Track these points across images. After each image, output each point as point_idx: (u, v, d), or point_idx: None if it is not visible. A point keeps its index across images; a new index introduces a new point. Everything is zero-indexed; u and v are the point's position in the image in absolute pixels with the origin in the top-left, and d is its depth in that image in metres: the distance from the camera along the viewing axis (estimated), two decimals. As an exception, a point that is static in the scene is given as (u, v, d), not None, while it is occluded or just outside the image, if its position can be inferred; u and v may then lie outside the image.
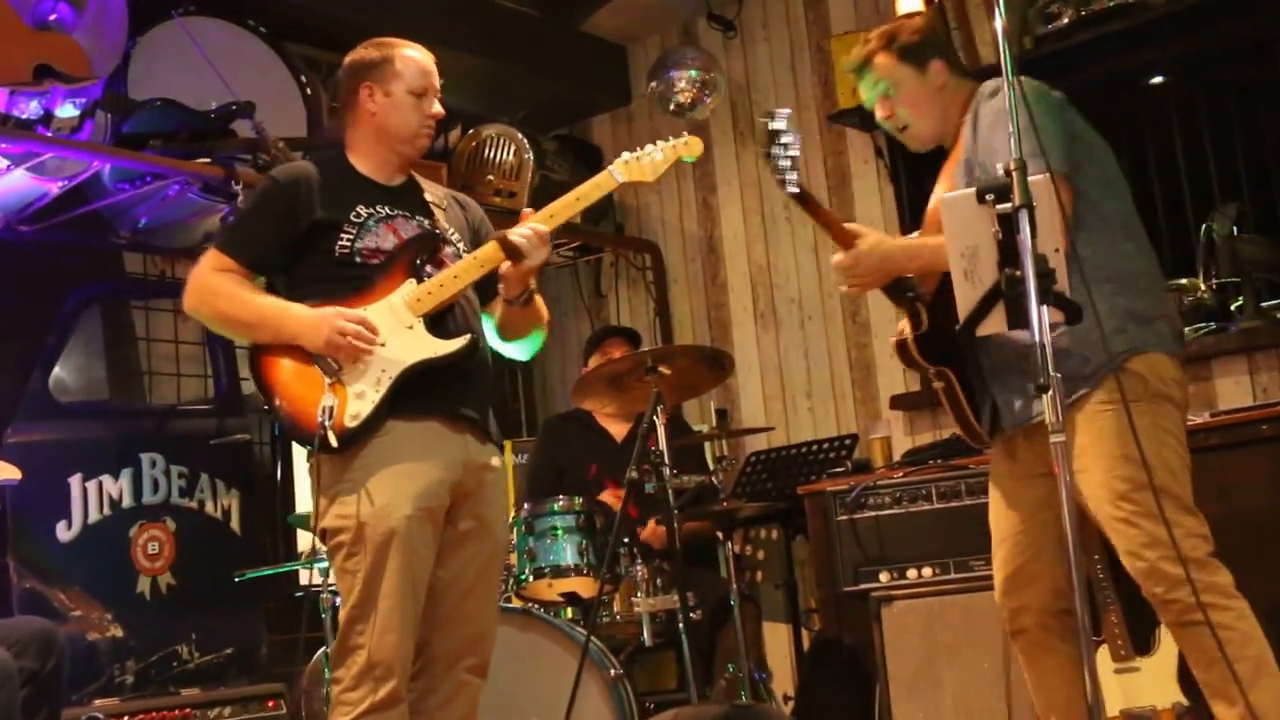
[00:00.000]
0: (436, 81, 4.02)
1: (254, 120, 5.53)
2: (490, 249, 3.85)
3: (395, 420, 3.73)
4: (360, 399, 3.70)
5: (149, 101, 5.46)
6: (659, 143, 3.99)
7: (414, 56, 4.00)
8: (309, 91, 6.12)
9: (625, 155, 3.97)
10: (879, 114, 3.95)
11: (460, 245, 3.99)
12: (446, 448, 3.79)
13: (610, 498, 5.70)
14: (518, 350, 4.14)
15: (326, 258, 3.82)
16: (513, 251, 3.81)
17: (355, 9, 6.36)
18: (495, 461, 3.95)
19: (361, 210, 3.86)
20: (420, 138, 3.99)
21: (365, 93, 3.95)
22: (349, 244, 3.82)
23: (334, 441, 3.66)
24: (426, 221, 3.96)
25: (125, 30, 5.42)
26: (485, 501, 3.89)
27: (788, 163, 3.61)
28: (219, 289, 3.80)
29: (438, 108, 4.01)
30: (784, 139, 3.63)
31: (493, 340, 4.09)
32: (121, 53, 5.45)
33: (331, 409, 3.67)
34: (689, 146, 4.00)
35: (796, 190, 3.64)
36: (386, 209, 3.90)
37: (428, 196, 4.05)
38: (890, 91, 3.88)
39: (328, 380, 3.72)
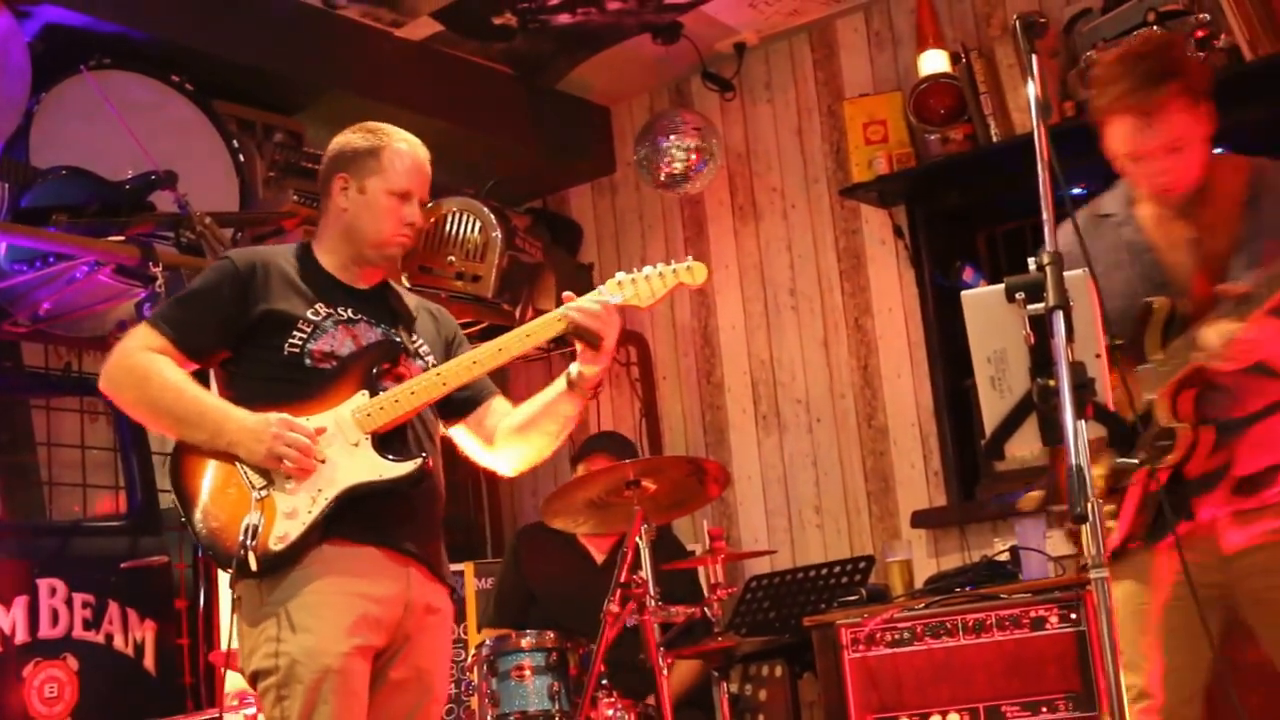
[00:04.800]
0: (425, 183, 4.04)
1: (176, 192, 5.48)
2: (545, 323, 3.86)
3: (329, 545, 3.70)
4: (290, 519, 3.68)
5: (53, 170, 5.42)
6: (659, 265, 3.97)
7: (403, 151, 4.00)
8: (241, 158, 6.09)
9: (620, 275, 3.95)
10: (1151, 167, 3.68)
11: (429, 360, 4.01)
12: (388, 580, 3.77)
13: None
14: (519, 454, 4.11)
15: (273, 355, 3.82)
16: (589, 336, 3.82)
17: (297, 63, 6.37)
18: (441, 604, 3.93)
19: (320, 309, 3.88)
20: (390, 246, 3.99)
21: (339, 184, 3.98)
22: (300, 344, 3.82)
23: (253, 565, 3.63)
24: (392, 330, 3.97)
25: (27, 86, 5.41)
26: (425, 650, 3.86)
27: None
28: (153, 373, 3.78)
29: (418, 215, 4.01)
30: None
31: (474, 449, 4.12)
32: (22, 112, 5.44)
33: (255, 528, 3.66)
34: (693, 273, 3.96)
35: None
36: (349, 312, 3.92)
37: (396, 305, 4.07)
38: (1178, 146, 3.64)
39: (255, 495, 3.70)
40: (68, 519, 6.25)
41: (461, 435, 4.15)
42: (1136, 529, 3.66)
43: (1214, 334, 3.43)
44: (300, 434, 3.69)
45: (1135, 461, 3.60)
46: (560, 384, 3.95)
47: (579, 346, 3.87)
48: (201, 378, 3.93)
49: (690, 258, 4.01)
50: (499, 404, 4.13)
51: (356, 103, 6.41)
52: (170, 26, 5.92)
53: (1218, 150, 3.77)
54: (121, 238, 5.40)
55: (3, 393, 6.13)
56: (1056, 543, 6.02)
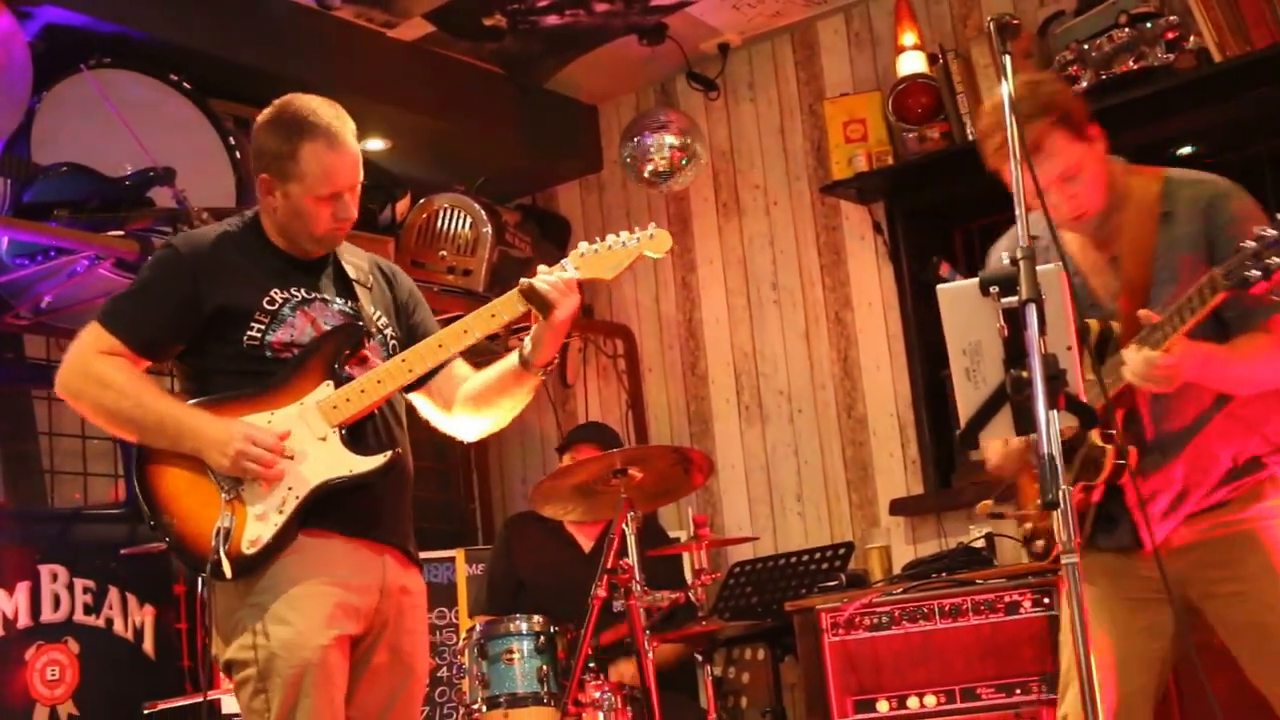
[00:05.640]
0: (352, 170, 3.82)
1: (175, 188, 5.48)
2: (508, 302, 3.77)
3: (304, 536, 3.64)
4: (261, 521, 3.60)
5: (55, 166, 5.42)
6: (622, 234, 3.86)
7: (320, 151, 3.74)
8: (239, 155, 6.06)
9: (582, 247, 3.86)
10: (1052, 199, 3.66)
11: (387, 332, 3.92)
12: (363, 567, 3.72)
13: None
14: (476, 424, 4.02)
15: (232, 349, 3.72)
16: (540, 302, 3.74)
17: (292, 63, 6.36)
18: (414, 586, 3.88)
19: (276, 295, 3.75)
20: (328, 241, 3.85)
21: (264, 186, 3.80)
22: (259, 335, 3.72)
23: (228, 571, 3.55)
24: (349, 306, 3.86)
25: (29, 85, 5.39)
26: (404, 632, 3.82)
27: None
28: (107, 378, 3.66)
29: (351, 208, 3.83)
30: None
31: (434, 415, 4.03)
32: (24, 110, 5.42)
33: (227, 531, 3.57)
34: (655, 242, 3.85)
35: None
36: (303, 291, 3.80)
37: (350, 272, 3.93)
38: (1072, 174, 3.70)
39: (224, 497, 3.61)
40: (69, 506, 6.26)
41: (421, 402, 4.03)
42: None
43: (1137, 360, 3.46)
44: (264, 446, 3.60)
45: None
46: (513, 359, 3.84)
47: (534, 321, 3.77)
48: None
49: (654, 225, 3.91)
50: (458, 368, 4.01)
51: (350, 101, 6.33)
52: (169, 27, 5.91)
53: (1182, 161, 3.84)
54: (121, 232, 5.39)
55: (5, 383, 6.14)
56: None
